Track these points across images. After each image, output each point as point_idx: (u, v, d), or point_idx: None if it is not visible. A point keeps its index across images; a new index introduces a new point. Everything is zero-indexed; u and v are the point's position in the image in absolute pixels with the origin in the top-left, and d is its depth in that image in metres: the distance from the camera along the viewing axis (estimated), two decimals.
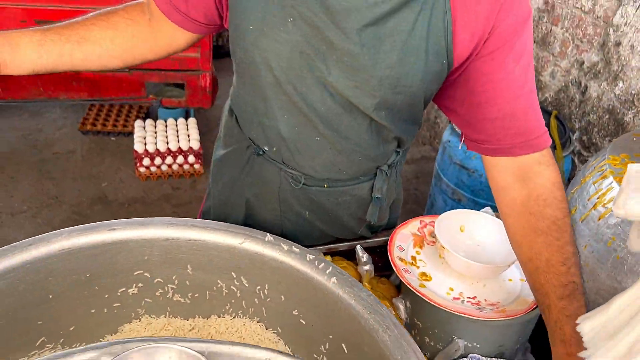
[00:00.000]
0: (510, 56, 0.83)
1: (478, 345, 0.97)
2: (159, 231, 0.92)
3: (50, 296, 0.90)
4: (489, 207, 1.16)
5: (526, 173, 0.86)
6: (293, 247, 0.92)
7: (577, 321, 0.60)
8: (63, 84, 2.50)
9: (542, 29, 2.47)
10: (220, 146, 1.11)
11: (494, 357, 0.97)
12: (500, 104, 0.85)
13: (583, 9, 2.22)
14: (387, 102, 0.86)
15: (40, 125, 3.34)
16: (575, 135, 2.21)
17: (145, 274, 0.96)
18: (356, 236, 1.14)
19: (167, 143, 2.90)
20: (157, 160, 2.87)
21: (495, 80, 0.84)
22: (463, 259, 0.98)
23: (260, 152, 1.00)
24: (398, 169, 1.07)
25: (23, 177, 2.85)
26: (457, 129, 2.14)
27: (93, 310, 0.96)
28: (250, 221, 1.07)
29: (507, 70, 0.83)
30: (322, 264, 0.89)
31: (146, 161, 2.86)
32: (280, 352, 0.72)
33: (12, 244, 0.85)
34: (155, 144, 2.86)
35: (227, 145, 1.08)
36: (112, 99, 2.61)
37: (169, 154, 2.88)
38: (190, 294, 1.00)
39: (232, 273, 0.96)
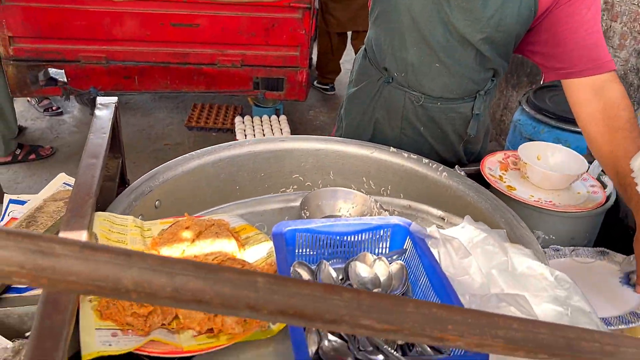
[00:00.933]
0: (584, 4, 1.14)
1: (553, 237, 1.24)
2: (314, 144, 1.27)
3: (237, 187, 1.26)
4: (560, 144, 1.44)
5: (600, 89, 1.15)
6: (411, 155, 1.24)
7: (630, 162, 0.89)
8: (186, 79, 2.96)
9: (602, 25, 2.71)
10: (352, 85, 1.47)
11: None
12: (576, 39, 1.15)
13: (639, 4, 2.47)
14: (490, 38, 1.19)
15: (152, 123, 3.86)
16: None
17: (300, 177, 1.30)
18: (457, 156, 1.45)
19: (263, 135, 3.31)
20: None
21: (571, 21, 1.15)
22: (542, 170, 1.27)
23: (390, 80, 1.34)
24: (491, 97, 1.39)
25: (142, 163, 3.33)
26: (526, 108, 2.41)
27: None
28: (375, 140, 1.41)
29: (580, 14, 1.14)
30: (435, 164, 1.21)
31: None
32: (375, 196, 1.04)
33: (218, 145, 1.22)
34: (254, 135, 3.27)
35: (358, 83, 1.44)
36: (225, 91, 3.05)
37: None
38: None
39: (363, 178, 1.29)
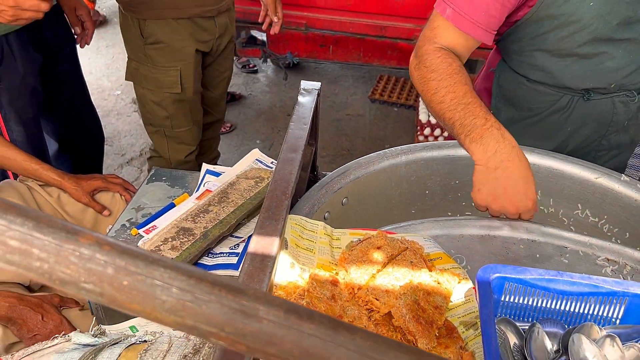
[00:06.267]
0: None
1: None
2: None
3: (427, 192, 1.15)
4: None
5: None
6: None
7: None
8: (379, 52, 2.90)
9: None
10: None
11: None
12: None
13: None
14: None
15: (337, 91, 3.88)
16: None
17: None
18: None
19: None
20: (437, 131, 3.11)
21: None
22: None
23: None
24: None
25: (324, 130, 3.38)
26: None
27: (449, 214, 1.19)
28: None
29: None
30: None
31: (427, 130, 3.13)
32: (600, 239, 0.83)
33: (414, 145, 1.12)
34: None
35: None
36: None
37: None
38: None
39: (578, 204, 1.09)
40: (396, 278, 0.70)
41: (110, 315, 1.02)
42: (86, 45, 1.92)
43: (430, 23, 1.02)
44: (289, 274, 0.70)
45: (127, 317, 1.03)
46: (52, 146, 2.04)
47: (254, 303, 0.36)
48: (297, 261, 0.72)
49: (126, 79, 1.82)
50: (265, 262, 0.65)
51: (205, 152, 2.17)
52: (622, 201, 1.03)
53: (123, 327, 0.94)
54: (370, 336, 0.38)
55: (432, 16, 1.02)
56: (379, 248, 0.74)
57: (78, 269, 0.32)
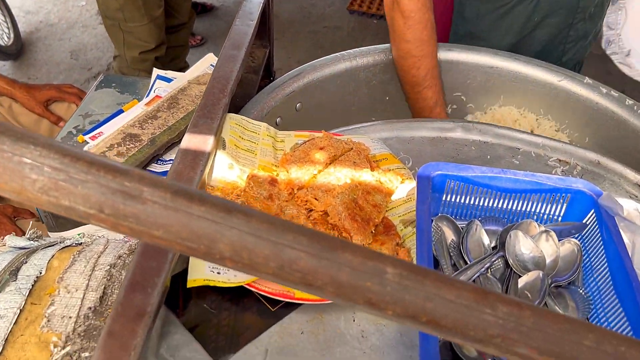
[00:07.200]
0: None
1: None
2: (487, 58, 1.06)
3: (387, 98, 1.11)
4: None
5: None
6: (612, 91, 0.98)
7: None
8: None
9: None
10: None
11: None
12: None
13: None
14: None
15: (314, 2, 3.71)
16: None
17: (462, 97, 1.11)
18: None
19: None
20: None
21: None
22: None
23: None
24: None
25: (299, 43, 3.27)
26: None
27: None
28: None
29: None
30: None
31: None
32: (554, 139, 0.82)
33: (374, 46, 1.07)
34: None
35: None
36: None
37: None
38: None
39: (540, 110, 1.06)
40: (337, 178, 0.67)
41: (61, 223, 1.00)
42: None
43: None
44: (227, 174, 0.67)
45: (77, 225, 1.02)
46: None
47: (138, 184, 0.33)
48: (237, 162, 0.69)
49: None
50: (197, 161, 0.62)
51: (173, 60, 2.09)
52: (584, 104, 1.00)
53: (71, 234, 0.92)
54: (268, 219, 0.36)
55: None
56: (322, 149, 0.72)
57: None
